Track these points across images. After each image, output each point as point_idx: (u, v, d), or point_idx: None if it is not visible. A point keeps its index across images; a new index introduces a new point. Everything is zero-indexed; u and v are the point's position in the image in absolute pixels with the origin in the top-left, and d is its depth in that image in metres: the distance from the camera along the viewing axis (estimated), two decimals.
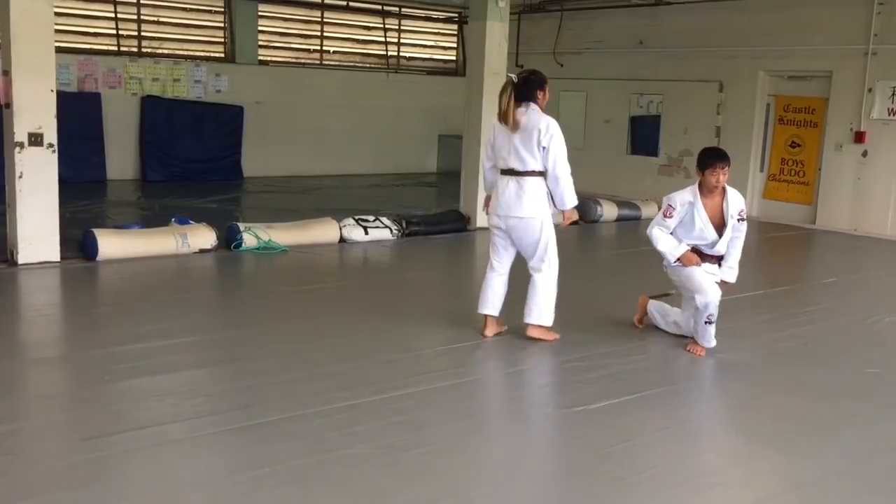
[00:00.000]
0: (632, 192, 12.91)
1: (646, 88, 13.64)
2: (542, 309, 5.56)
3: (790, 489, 3.84)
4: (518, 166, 5.42)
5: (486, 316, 5.74)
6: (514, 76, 5.50)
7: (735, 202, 5.50)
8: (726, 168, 5.46)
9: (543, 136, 5.32)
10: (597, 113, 14.40)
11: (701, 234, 5.51)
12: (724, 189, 5.50)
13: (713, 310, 5.43)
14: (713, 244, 5.54)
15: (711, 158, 5.47)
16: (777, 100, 12.13)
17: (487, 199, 5.78)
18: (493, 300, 5.72)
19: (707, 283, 5.49)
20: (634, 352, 5.58)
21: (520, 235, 5.52)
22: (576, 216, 5.74)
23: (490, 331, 5.74)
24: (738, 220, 5.46)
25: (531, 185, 5.42)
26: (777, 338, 6.15)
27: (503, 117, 5.42)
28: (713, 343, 5.53)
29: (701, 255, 5.55)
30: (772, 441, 4.29)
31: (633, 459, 3.92)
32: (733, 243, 5.60)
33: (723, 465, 3.95)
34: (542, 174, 5.43)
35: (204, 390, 4.58)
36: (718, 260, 5.60)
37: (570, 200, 5.47)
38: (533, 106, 5.41)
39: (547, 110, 5.56)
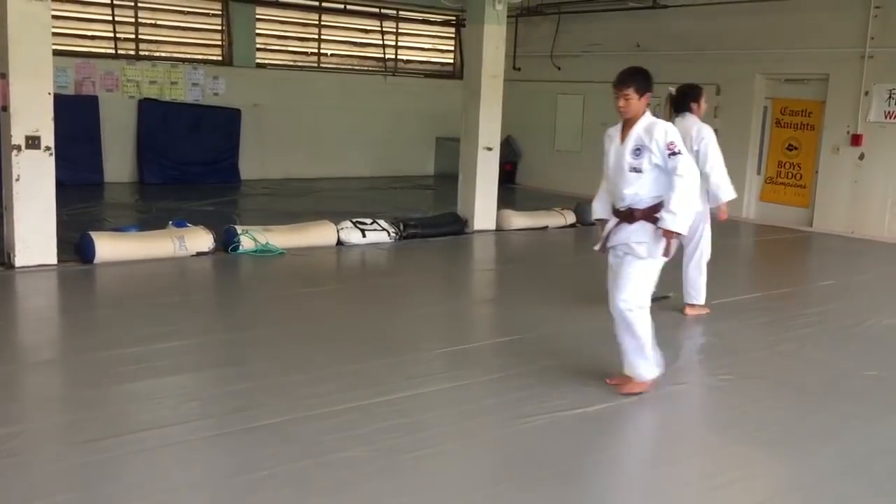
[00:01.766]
0: None
1: None
2: (699, 290, 6.60)
3: (789, 491, 3.84)
4: None
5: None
6: (672, 90, 6.39)
7: (660, 134, 4.52)
8: (629, 91, 4.55)
9: (695, 141, 6.10)
10: (594, 116, 14.37)
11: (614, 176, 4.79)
12: (651, 121, 4.60)
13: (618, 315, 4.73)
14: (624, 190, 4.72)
15: (614, 80, 4.68)
16: (774, 103, 12.15)
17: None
18: (684, 286, 6.66)
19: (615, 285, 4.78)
20: None
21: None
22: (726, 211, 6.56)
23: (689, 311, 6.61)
24: (669, 153, 4.48)
25: None
26: (775, 340, 6.15)
27: None
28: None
29: (617, 212, 4.74)
30: (770, 443, 4.30)
31: (631, 462, 3.92)
32: (671, 183, 4.62)
33: (721, 468, 3.95)
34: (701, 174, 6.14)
35: (202, 393, 4.58)
36: (647, 216, 4.62)
37: (725, 194, 6.28)
38: (688, 115, 6.26)
39: (706, 119, 6.38)
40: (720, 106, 12.60)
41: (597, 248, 4.90)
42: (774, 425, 4.52)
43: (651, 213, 4.59)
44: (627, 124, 4.63)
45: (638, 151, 4.54)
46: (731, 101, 12.43)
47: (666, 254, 4.62)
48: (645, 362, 4.68)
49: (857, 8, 10.94)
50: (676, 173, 4.47)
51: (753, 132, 12.29)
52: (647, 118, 4.60)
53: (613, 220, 4.75)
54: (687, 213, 4.53)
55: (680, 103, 6.28)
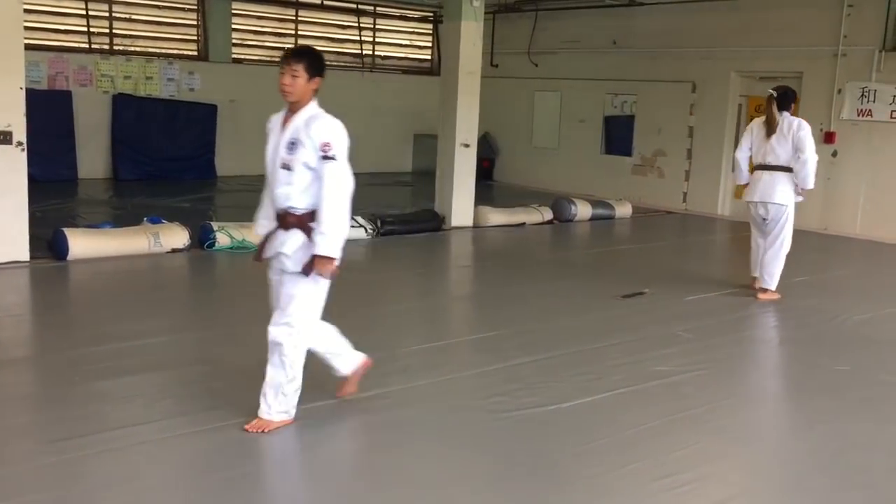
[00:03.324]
0: (606, 191, 12.98)
1: (620, 88, 13.72)
2: (774, 274, 7.12)
3: (761, 486, 3.88)
4: (773, 161, 7.03)
5: (754, 277, 7.32)
6: (773, 91, 7.12)
7: (318, 130, 3.85)
8: (298, 68, 3.88)
9: (796, 134, 6.94)
10: (571, 113, 14.46)
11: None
12: (316, 113, 3.95)
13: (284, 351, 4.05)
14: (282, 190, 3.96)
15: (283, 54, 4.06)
16: (749, 100, 12.24)
17: (743, 187, 7.50)
18: (756, 263, 7.30)
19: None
20: (605, 351, 5.61)
21: (770, 216, 7.08)
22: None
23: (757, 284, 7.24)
24: (322, 156, 3.83)
25: (782, 177, 7.02)
26: (748, 336, 6.21)
27: (770, 123, 7.06)
28: None
29: (276, 216, 4.03)
30: (744, 439, 4.34)
31: (605, 459, 3.94)
32: (320, 194, 3.87)
33: (695, 463, 3.98)
34: (790, 169, 7.00)
35: (175, 391, 4.54)
36: (303, 224, 3.93)
37: (812, 179, 6.98)
38: (786, 114, 7.06)
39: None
40: (695, 103, 12.70)
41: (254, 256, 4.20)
42: (747, 420, 4.56)
43: (307, 222, 3.90)
44: (291, 112, 3.95)
45: (293, 145, 3.86)
46: (707, 98, 12.53)
47: (307, 272, 3.90)
48: (284, 400, 4.01)
49: (830, 6, 11.05)
50: (324, 181, 3.81)
51: (728, 129, 12.38)
52: (312, 108, 3.94)
53: (273, 226, 4.04)
54: (341, 233, 3.88)
55: (783, 103, 7.08)
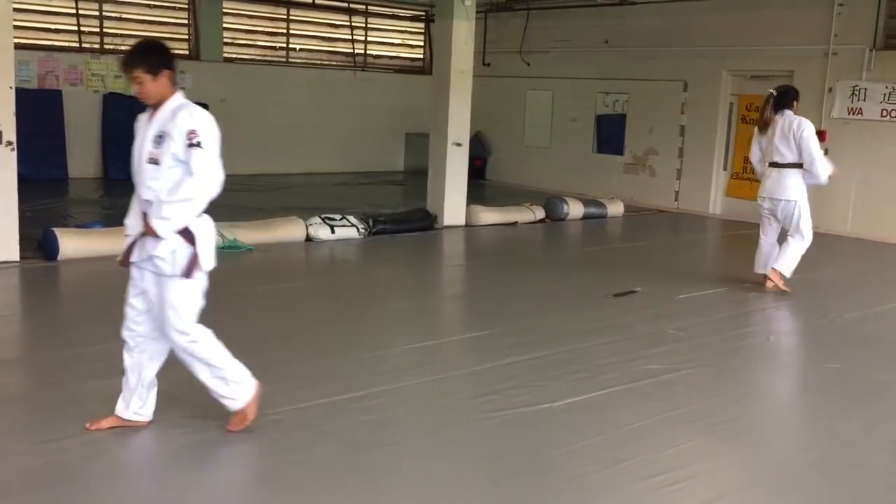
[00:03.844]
0: (598, 190, 13.00)
1: (612, 87, 13.73)
2: (787, 260, 7.20)
3: (752, 484, 3.88)
4: (779, 160, 7.18)
5: (762, 275, 7.40)
6: (774, 91, 7.26)
7: (184, 119, 3.68)
8: (138, 73, 3.70)
9: (797, 133, 7.05)
10: (563, 111, 14.47)
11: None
12: (181, 103, 3.79)
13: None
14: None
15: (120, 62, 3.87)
16: (740, 99, 12.28)
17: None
18: (762, 261, 7.40)
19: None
20: (597, 350, 5.61)
21: (780, 213, 7.26)
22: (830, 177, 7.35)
23: (769, 284, 7.30)
24: (188, 143, 3.65)
25: (789, 173, 7.16)
26: (739, 334, 6.22)
27: (760, 122, 7.29)
28: None
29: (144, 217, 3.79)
30: (734, 437, 4.35)
31: (596, 457, 3.95)
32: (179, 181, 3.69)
33: (686, 462, 3.99)
34: (799, 165, 7.13)
35: (166, 392, 4.52)
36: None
37: (823, 175, 7.14)
38: (789, 112, 7.15)
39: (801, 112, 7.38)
40: (687, 102, 12.73)
41: (119, 258, 4.01)
42: (738, 418, 4.57)
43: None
44: (155, 108, 3.78)
45: (160, 138, 3.67)
46: (698, 97, 12.55)
47: (188, 274, 3.75)
48: (236, 386, 3.92)
49: (821, 5, 11.08)
50: (191, 169, 3.62)
51: (720, 128, 12.42)
52: (177, 100, 3.77)
53: (142, 228, 3.81)
54: (185, 218, 3.69)
55: (781, 102, 7.17)
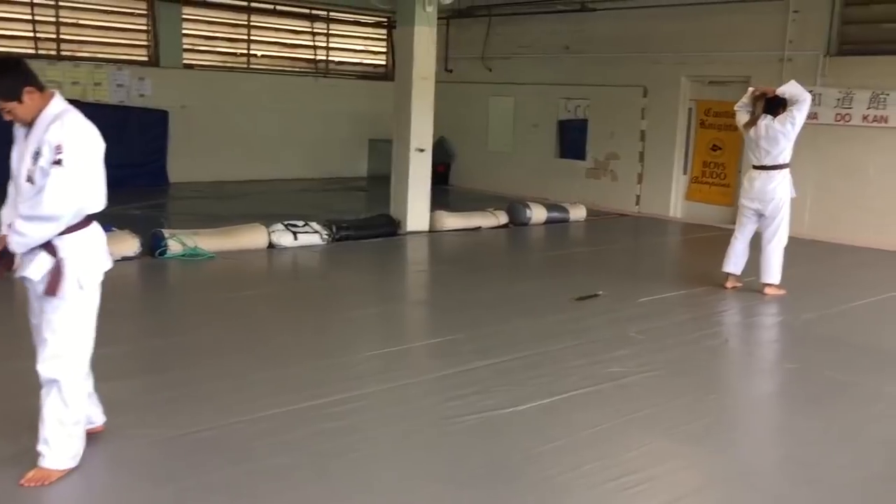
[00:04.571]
0: (560, 195, 13.10)
1: (573, 93, 13.85)
2: (773, 269, 7.42)
3: (711, 485, 3.94)
4: (768, 161, 7.31)
5: (728, 273, 7.64)
6: (753, 90, 7.38)
7: (55, 132, 3.41)
8: (1, 104, 3.43)
9: (782, 118, 7.14)
10: (525, 117, 14.56)
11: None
12: (61, 111, 3.53)
13: None
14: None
15: None
16: (699, 104, 12.45)
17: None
18: (732, 261, 7.58)
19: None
20: (560, 354, 5.65)
21: (768, 213, 7.37)
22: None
23: (730, 283, 7.62)
24: (53, 161, 3.38)
25: (776, 175, 7.31)
26: (699, 336, 6.30)
27: (752, 121, 7.29)
28: None
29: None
30: (693, 438, 4.40)
31: (560, 460, 3.97)
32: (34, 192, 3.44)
33: (646, 464, 4.03)
34: (785, 166, 7.29)
35: (128, 402, 4.46)
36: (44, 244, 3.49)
37: (803, 92, 7.17)
38: (769, 116, 7.23)
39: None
40: (647, 107, 12.87)
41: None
42: (698, 420, 4.63)
43: (51, 241, 3.46)
44: (32, 122, 3.50)
45: (37, 155, 3.42)
46: (658, 102, 12.70)
47: (52, 290, 3.46)
48: (71, 443, 3.58)
49: (776, 12, 11.28)
50: (46, 185, 3.34)
51: (679, 133, 12.57)
52: (55, 107, 3.52)
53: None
54: (38, 236, 3.40)
55: (771, 108, 7.27)
